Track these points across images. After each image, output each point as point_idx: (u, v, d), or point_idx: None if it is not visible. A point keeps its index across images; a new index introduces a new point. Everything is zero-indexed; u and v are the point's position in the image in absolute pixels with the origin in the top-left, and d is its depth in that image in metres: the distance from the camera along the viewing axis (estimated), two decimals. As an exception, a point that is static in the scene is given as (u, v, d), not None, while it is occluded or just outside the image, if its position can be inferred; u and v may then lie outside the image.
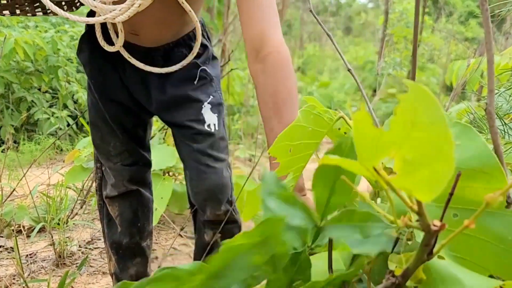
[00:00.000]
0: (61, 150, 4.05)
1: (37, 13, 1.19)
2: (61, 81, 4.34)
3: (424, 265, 0.39)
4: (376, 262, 0.45)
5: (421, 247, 0.35)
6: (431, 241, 0.35)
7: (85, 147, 2.46)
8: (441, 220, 0.33)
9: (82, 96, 4.29)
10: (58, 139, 3.54)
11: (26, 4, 1.14)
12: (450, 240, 0.35)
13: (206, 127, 1.19)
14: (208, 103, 1.21)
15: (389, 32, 9.56)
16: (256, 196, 0.56)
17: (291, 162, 0.57)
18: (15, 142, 3.88)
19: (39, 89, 4.30)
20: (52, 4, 0.99)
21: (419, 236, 0.41)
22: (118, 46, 1.12)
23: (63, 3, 1.15)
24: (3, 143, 3.60)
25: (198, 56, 1.21)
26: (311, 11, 0.95)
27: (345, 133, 0.65)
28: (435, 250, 0.36)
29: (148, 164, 1.40)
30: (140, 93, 1.25)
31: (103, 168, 1.38)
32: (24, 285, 1.63)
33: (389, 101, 6.77)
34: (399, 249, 0.48)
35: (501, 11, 1.05)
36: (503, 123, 0.83)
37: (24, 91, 4.12)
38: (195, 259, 1.42)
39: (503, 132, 0.80)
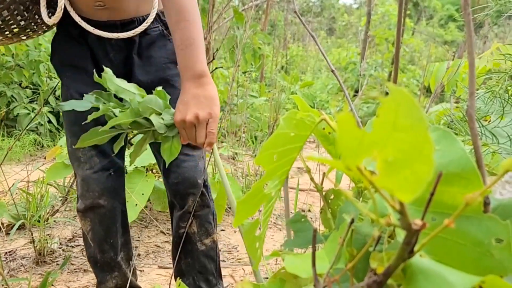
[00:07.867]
0: (42, 146, 3.98)
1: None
2: (43, 76, 4.27)
3: (408, 263, 0.40)
4: (359, 260, 0.46)
5: (402, 245, 0.36)
6: (412, 240, 0.36)
7: (67, 144, 2.42)
8: (422, 220, 0.34)
9: (64, 92, 4.22)
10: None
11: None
12: (430, 239, 0.36)
13: None
14: None
15: (371, 33, 9.66)
16: (246, 204, 0.56)
17: (277, 168, 0.57)
18: (-7, 138, 3.81)
19: (20, 84, 4.22)
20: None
21: (400, 235, 0.42)
22: (56, 16, 1.13)
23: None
24: (-19, 139, 3.52)
25: None
26: (295, 12, 0.96)
27: (329, 133, 0.66)
28: (415, 248, 0.37)
29: (121, 171, 1.31)
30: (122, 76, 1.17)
31: (76, 180, 1.32)
32: (3, 283, 1.61)
33: (370, 102, 6.82)
34: (381, 247, 0.50)
35: (479, 15, 1.08)
36: (481, 125, 0.86)
37: (4, 86, 4.03)
38: (172, 253, 1.40)
39: (480, 134, 0.82)
